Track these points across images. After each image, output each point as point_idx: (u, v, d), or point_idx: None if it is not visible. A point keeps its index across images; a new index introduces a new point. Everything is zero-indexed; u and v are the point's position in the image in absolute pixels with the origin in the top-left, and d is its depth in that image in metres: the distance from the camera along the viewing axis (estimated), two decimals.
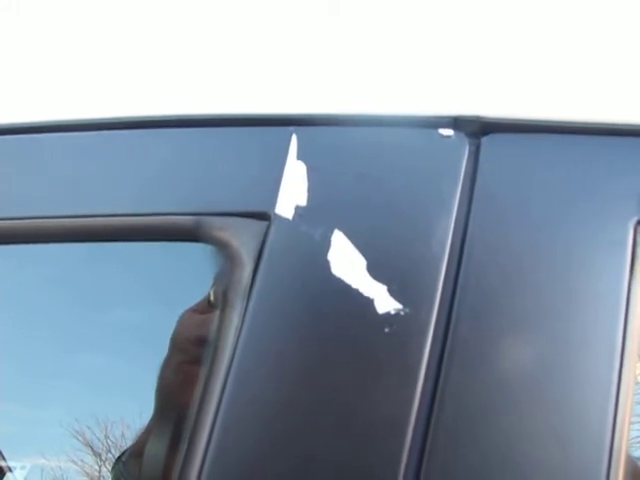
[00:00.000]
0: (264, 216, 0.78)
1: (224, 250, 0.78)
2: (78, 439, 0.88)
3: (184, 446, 0.72)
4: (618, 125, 0.77)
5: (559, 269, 0.73)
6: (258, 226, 0.78)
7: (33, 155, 0.89)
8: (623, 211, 0.74)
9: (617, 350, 0.70)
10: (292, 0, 0.89)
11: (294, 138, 0.81)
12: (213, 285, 0.82)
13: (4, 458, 0.93)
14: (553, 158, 0.77)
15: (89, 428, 0.88)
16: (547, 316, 0.71)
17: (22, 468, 0.91)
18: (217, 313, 0.77)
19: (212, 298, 0.82)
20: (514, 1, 0.83)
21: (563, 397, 0.69)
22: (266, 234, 0.77)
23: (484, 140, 0.78)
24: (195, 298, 0.85)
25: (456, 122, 0.79)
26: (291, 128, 0.81)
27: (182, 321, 0.85)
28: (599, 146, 0.78)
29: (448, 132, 0.79)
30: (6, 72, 0.93)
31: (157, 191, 0.83)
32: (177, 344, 0.84)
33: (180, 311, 0.86)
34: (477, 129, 0.79)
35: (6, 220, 0.85)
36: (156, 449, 0.82)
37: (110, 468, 0.89)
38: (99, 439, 0.88)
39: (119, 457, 0.89)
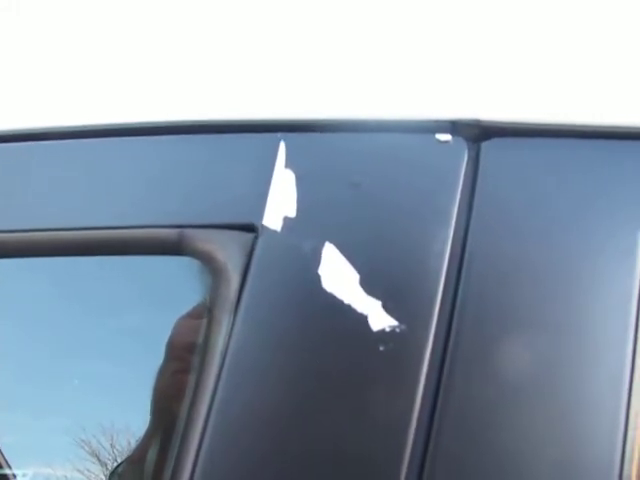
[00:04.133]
0: (251, 228, 0.76)
1: (209, 264, 0.76)
2: (83, 448, 0.87)
3: (174, 453, 0.71)
4: (624, 128, 0.75)
5: (565, 280, 0.70)
6: (244, 238, 0.75)
7: (13, 165, 0.86)
8: (631, 218, 0.72)
9: (627, 359, 0.67)
10: (281, 2, 0.86)
11: (282, 145, 0.78)
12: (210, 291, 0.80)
13: (9, 466, 0.92)
14: (557, 163, 0.75)
15: (94, 437, 0.87)
16: (552, 329, 0.69)
17: (24, 476, 0.91)
18: (205, 326, 0.75)
19: (209, 303, 0.78)
20: (514, 1, 0.80)
21: (571, 408, 0.67)
22: (253, 247, 0.75)
23: (484, 145, 0.76)
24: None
25: (454, 126, 0.76)
26: (279, 134, 0.79)
27: (177, 327, 0.83)
28: (605, 150, 0.75)
29: (446, 137, 0.76)
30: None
31: (138, 202, 0.81)
32: (173, 351, 0.82)
33: None
34: (477, 134, 0.76)
35: None
36: (156, 459, 0.80)
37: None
38: (104, 448, 0.87)
39: (115, 469, 0.88)
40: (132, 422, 0.86)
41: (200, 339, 0.76)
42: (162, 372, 0.83)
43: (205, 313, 0.78)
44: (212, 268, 0.75)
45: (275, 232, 0.75)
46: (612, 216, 0.72)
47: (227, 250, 0.75)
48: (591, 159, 0.74)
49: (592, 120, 0.75)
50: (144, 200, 0.80)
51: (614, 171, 0.74)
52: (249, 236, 0.75)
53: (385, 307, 0.70)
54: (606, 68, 0.77)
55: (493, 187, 0.74)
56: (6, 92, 0.92)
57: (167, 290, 0.88)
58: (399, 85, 0.79)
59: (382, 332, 0.69)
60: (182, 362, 0.80)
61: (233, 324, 0.72)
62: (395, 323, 0.69)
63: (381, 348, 0.69)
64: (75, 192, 0.82)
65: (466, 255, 0.71)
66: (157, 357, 0.83)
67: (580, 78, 0.77)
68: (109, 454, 0.87)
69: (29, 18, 0.96)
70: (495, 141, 0.76)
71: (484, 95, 0.78)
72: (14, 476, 0.92)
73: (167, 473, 0.73)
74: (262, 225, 0.75)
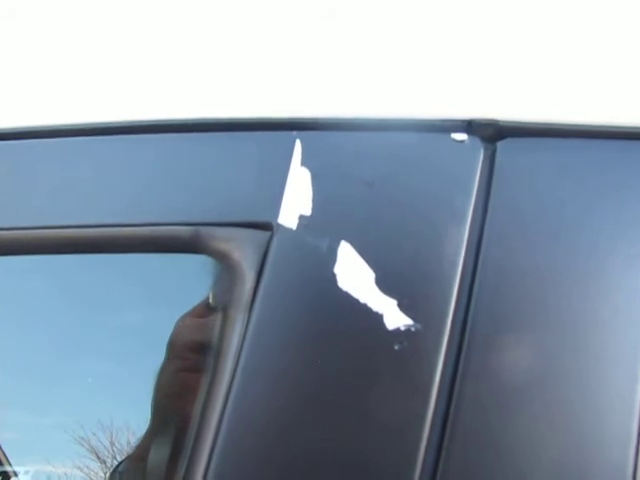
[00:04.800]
0: (266, 226, 0.75)
1: (224, 262, 0.75)
2: (83, 445, 0.87)
3: (187, 452, 0.70)
4: None
5: (580, 282, 0.70)
6: (260, 237, 0.75)
7: (23, 162, 0.86)
8: None
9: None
10: (293, 2, 0.86)
11: (298, 143, 0.78)
12: (213, 287, 0.80)
13: (10, 463, 0.92)
14: (574, 164, 0.74)
15: (94, 434, 0.87)
16: (566, 332, 0.68)
17: (26, 473, 0.91)
18: (217, 321, 0.74)
19: (211, 300, 0.79)
20: (531, 1, 0.80)
21: (586, 413, 0.67)
22: (269, 245, 0.74)
23: (500, 145, 0.75)
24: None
25: (470, 126, 0.76)
26: (294, 133, 0.78)
27: (180, 325, 0.82)
28: (622, 151, 0.74)
29: (462, 137, 0.76)
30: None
31: (153, 200, 0.80)
32: (175, 350, 0.82)
33: None
34: (493, 133, 0.75)
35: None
36: (158, 457, 0.79)
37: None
38: (104, 445, 0.87)
39: (116, 468, 0.88)
40: (134, 420, 0.85)
41: (203, 337, 0.77)
42: (165, 370, 0.82)
43: (208, 311, 0.78)
44: (227, 266, 0.75)
45: (290, 230, 0.74)
46: (628, 218, 0.71)
47: (242, 248, 0.75)
48: (607, 160, 0.74)
49: (608, 120, 0.75)
50: (159, 198, 0.80)
51: (631, 172, 0.73)
52: (264, 234, 0.75)
53: (400, 306, 0.69)
54: (623, 68, 0.77)
55: (508, 187, 0.73)
56: (18, 91, 0.92)
57: (181, 288, 0.87)
58: (415, 84, 0.79)
59: (397, 331, 0.69)
60: (185, 360, 0.80)
61: (248, 322, 0.72)
62: (410, 322, 0.69)
63: (396, 347, 0.68)
64: (91, 189, 0.82)
65: (481, 254, 0.71)
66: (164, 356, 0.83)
67: (597, 78, 0.77)
68: (111, 452, 0.87)
69: (33, 20, 0.96)
70: (511, 141, 0.75)
71: (500, 95, 0.77)
72: (15, 473, 0.92)
73: (171, 471, 0.74)
74: (278, 224, 0.75)
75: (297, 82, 0.82)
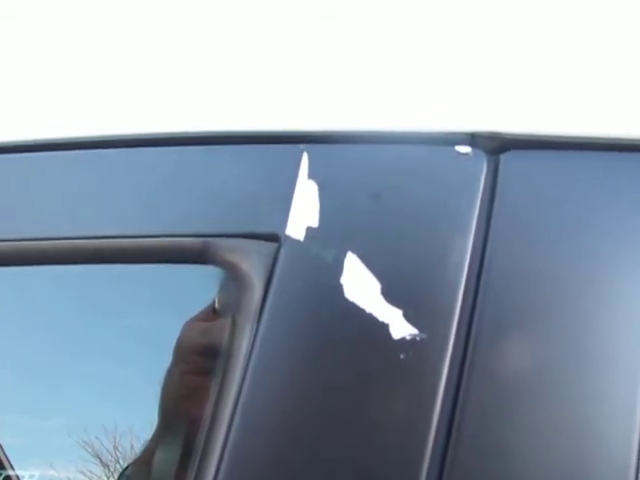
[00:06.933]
0: (274, 238, 0.76)
1: (232, 273, 0.76)
2: (87, 449, 0.87)
3: (195, 456, 0.71)
4: None
5: (581, 292, 0.70)
6: (268, 248, 0.75)
7: (31, 175, 0.86)
8: None
9: None
10: (300, 15, 0.86)
11: (305, 156, 0.78)
12: (219, 292, 0.81)
13: (13, 468, 0.92)
14: (576, 176, 0.75)
15: (98, 438, 0.87)
16: (569, 340, 0.69)
17: (30, 477, 0.90)
18: (225, 329, 0.75)
19: (217, 305, 0.80)
20: (535, 11, 0.81)
21: (585, 416, 0.67)
22: (276, 256, 0.75)
23: (503, 157, 0.76)
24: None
25: (473, 138, 0.76)
26: (302, 146, 0.79)
27: (186, 329, 0.82)
28: (624, 163, 0.75)
29: (465, 149, 0.76)
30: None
31: (162, 212, 0.81)
32: (181, 353, 0.82)
33: None
34: (496, 146, 0.76)
35: (5, 242, 0.83)
36: (165, 461, 0.80)
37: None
38: (108, 450, 0.87)
39: (122, 472, 0.88)
40: (139, 424, 0.86)
41: (208, 340, 0.77)
42: (170, 373, 0.83)
43: (214, 315, 0.79)
44: (235, 277, 0.76)
45: (298, 242, 0.75)
46: (629, 228, 0.72)
47: (250, 259, 0.75)
48: (610, 171, 0.74)
49: (611, 133, 0.75)
50: (168, 209, 0.81)
51: (633, 184, 0.74)
52: (272, 245, 0.75)
53: (406, 316, 0.70)
54: (626, 81, 0.77)
55: (512, 199, 0.74)
56: (18, 95, 0.92)
57: (189, 298, 0.87)
58: (419, 98, 0.80)
59: (403, 340, 0.69)
60: (190, 364, 0.81)
61: (256, 332, 0.72)
62: (416, 332, 0.69)
63: (402, 356, 0.69)
64: (101, 201, 0.83)
65: (485, 265, 0.71)
66: (168, 360, 0.83)
67: (600, 91, 0.77)
68: (115, 456, 0.87)
69: (33, 20, 0.96)
70: (514, 153, 0.75)
71: (503, 107, 0.78)
72: (19, 478, 0.91)
73: (178, 475, 0.75)
74: (285, 235, 0.75)
75: (304, 96, 0.83)
